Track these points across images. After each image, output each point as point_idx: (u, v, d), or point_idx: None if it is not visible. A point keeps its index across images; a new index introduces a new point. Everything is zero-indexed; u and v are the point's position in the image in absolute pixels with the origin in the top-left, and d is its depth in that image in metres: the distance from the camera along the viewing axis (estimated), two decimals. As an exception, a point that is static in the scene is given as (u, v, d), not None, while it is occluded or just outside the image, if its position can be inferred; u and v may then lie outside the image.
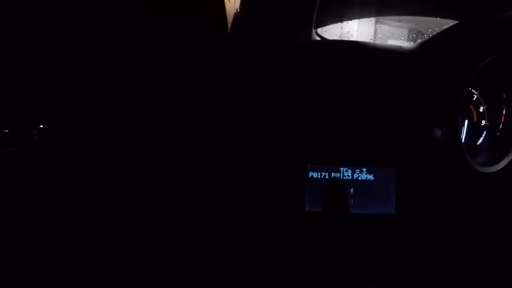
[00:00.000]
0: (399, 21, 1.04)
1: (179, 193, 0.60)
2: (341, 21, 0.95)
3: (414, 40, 1.05)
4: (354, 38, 1.02)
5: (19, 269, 0.56)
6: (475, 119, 0.66)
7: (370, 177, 0.56)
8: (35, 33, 0.59)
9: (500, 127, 0.66)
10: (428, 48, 0.62)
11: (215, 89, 0.62)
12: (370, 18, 1.06)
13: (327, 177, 0.55)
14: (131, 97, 0.62)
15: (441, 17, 0.95)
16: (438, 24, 1.00)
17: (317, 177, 0.55)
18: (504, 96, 0.65)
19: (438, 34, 0.65)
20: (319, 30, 0.93)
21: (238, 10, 0.70)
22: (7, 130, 0.58)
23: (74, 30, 0.60)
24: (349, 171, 0.56)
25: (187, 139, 0.62)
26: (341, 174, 0.56)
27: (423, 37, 1.04)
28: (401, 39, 1.08)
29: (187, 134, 0.62)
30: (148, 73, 0.63)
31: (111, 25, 0.62)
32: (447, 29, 0.65)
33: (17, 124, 0.59)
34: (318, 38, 0.75)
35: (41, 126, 0.61)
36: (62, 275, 0.56)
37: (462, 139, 0.63)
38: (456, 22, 0.67)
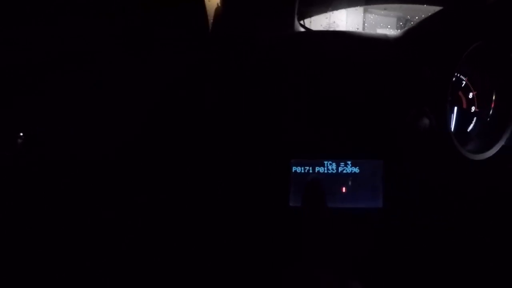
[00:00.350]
0: (385, 9, 1.03)
1: (179, 192, 0.60)
2: (326, 12, 0.93)
3: (402, 28, 1.04)
4: (341, 28, 1.01)
5: (19, 269, 0.56)
6: (464, 105, 0.65)
7: (356, 170, 0.55)
8: (35, 33, 0.59)
9: (490, 113, 0.65)
10: (414, 35, 0.61)
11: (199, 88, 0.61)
12: (357, 8, 1.04)
13: (311, 171, 0.54)
14: (131, 97, 0.62)
15: (427, 4, 0.94)
16: (426, 11, 0.99)
17: (301, 172, 0.55)
18: (493, 81, 0.64)
19: (424, 20, 0.64)
20: (304, 22, 0.92)
21: (219, 5, 0.69)
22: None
23: (74, 30, 0.60)
24: (334, 164, 0.55)
25: (178, 139, 0.61)
26: (325, 168, 0.55)
27: (411, 24, 1.03)
28: (388, 27, 1.07)
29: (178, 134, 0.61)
30: (147, 73, 0.63)
31: (111, 25, 0.62)
32: (432, 14, 0.64)
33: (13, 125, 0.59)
34: (302, 30, 0.74)
35: (21, 134, 0.60)
36: (62, 275, 0.56)
37: (451, 126, 0.62)
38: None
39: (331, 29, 0.96)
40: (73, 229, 0.58)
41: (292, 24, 0.66)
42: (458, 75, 0.63)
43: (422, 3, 0.96)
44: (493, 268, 0.59)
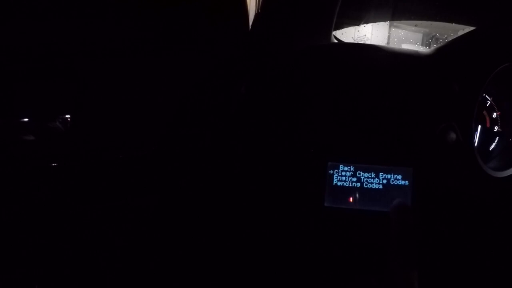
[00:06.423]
0: (416, 25, 1.05)
1: (213, 188, 0.62)
2: (359, 25, 0.96)
3: (428, 44, 1.05)
4: (369, 41, 1.04)
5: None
6: (488, 124, 0.67)
7: (388, 175, 0.58)
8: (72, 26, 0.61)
9: None
10: (444, 53, 0.64)
11: (236, 88, 0.64)
12: (385, 22, 1.07)
13: (346, 173, 0.58)
14: (157, 95, 0.63)
15: (457, 22, 0.96)
16: (453, 30, 1.01)
17: (336, 174, 0.58)
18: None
19: (454, 40, 0.66)
20: (336, 33, 0.95)
21: (259, 10, 0.72)
22: (26, 119, 0.58)
23: (106, 26, 0.63)
24: (367, 169, 0.57)
25: (210, 137, 0.63)
26: (359, 172, 0.58)
27: (438, 42, 1.05)
28: (417, 44, 1.09)
29: (209, 132, 0.64)
30: (175, 69, 0.64)
31: (138, 24, 0.64)
32: (463, 35, 0.66)
33: (40, 113, 0.59)
34: (335, 41, 0.77)
35: (67, 116, 0.60)
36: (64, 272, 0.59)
37: (475, 143, 0.64)
38: (471, 28, 0.68)
39: (362, 42, 0.99)
40: (89, 221, 0.60)
41: (328, 36, 0.69)
42: (484, 94, 0.65)
43: (453, 22, 0.98)
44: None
